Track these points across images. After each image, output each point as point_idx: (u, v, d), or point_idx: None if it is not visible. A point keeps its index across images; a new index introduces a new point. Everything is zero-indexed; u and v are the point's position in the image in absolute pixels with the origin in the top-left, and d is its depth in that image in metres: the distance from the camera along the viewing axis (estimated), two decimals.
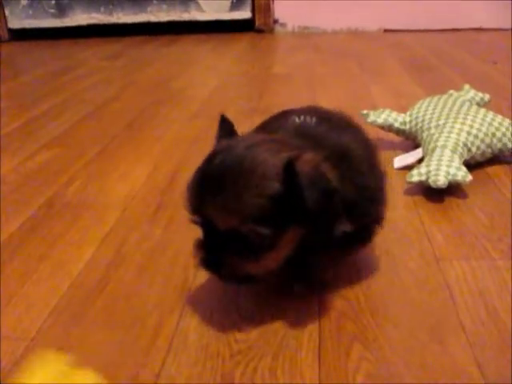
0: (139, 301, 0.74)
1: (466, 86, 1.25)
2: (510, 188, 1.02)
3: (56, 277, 0.81)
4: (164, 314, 0.71)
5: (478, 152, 1.06)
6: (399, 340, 0.65)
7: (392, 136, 1.24)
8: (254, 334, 0.66)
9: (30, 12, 3.12)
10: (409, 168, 1.06)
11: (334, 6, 2.92)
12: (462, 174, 0.96)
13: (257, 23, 3.02)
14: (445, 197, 0.98)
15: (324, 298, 0.72)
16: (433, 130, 1.09)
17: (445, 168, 0.96)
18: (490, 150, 1.08)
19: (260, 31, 3.01)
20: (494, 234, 0.87)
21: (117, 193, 1.08)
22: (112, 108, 1.74)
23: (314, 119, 0.72)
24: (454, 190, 0.98)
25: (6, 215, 1.01)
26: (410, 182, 0.99)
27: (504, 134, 1.08)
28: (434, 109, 1.15)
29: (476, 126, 1.07)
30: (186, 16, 3.05)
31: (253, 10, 3.00)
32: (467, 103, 1.16)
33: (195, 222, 0.65)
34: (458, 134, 1.05)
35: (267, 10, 3.01)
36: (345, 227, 0.66)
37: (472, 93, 1.23)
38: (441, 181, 0.94)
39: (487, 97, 1.24)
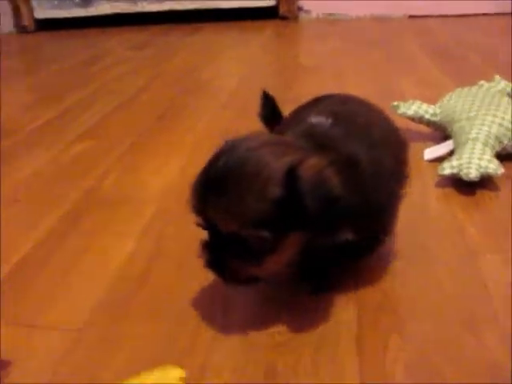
0: (181, 293, 0.76)
1: (497, 77, 1.25)
2: None
3: (99, 269, 0.83)
4: (206, 305, 0.74)
5: (510, 144, 1.06)
6: (435, 332, 0.66)
7: (421, 127, 1.24)
8: (294, 326, 0.68)
9: (56, 2, 3.15)
10: (439, 160, 1.08)
11: None
12: (494, 167, 0.96)
13: (281, 10, 3.02)
14: (476, 189, 0.99)
15: (361, 291, 0.74)
16: (464, 122, 1.09)
17: (476, 161, 0.97)
18: None
19: (284, 18, 3.01)
20: None
21: (152, 186, 1.10)
22: (141, 99, 1.76)
23: (329, 120, 0.70)
24: (485, 182, 0.99)
25: (46, 208, 1.04)
26: (442, 175, 1.00)
27: None
28: (464, 100, 1.15)
29: (507, 117, 1.07)
30: (209, 4, 3.05)
31: None
32: (498, 94, 1.16)
33: (199, 224, 0.66)
34: (490, 127, 1.05)
35: None
36: (347, 236, 0.67)
37: (503, 83, 1.23)
38: (473, 174, 0.95)
39: None
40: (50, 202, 1.06)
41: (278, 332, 0.67)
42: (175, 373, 0.58)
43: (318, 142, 0.67)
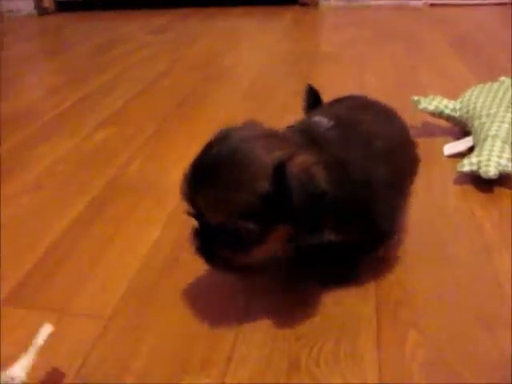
0: (206, 282, 0.79)
1: None
2: None
3: (126, 257, 0.86)
4: (230, 296, 0.76)
5: None
6: (451, 329, 0.68)
7: (441, 122, 1.25)
8: (316, 319, 0.71)
9: None
10: (458, 155, 1.09)
11: None
12: None
13: None
14: (495, 187, 1.00)
15: (380, 285, 0.76)
16: (484, 119, 1.10)
17: (496, 159, 0.98)
18: None
19: (304, 5, 3.00)
20: None
21: (175, 174, 1.12)
22: (162, 85, 1.78)
23: (330, 122, 0.72)
24: (504, 180, 1.00)
25: (71, 195, 1.07)
26: (461, 172, 1.01)
27: None
28: (485, 97, 1.16)
29: None
30: None
31: None
32: None
33: (189, 213, 0.67)
34: (510, 124, 1.06)
35: None
36: (329, 236, 0.69)
37: None
38: (491, 171, 0.97)
39: None
40: (76, 189, 1.09)
41: (300, 324, 0.70)
42: None
43: (313, 140, 0.69)
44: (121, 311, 0.74)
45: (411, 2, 2.92)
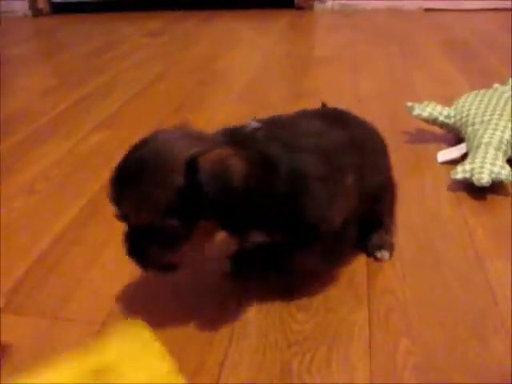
0: (200, 288, 0.79)
1: (511, 80, 1.26)
2: None
3: (120, 262, 0.85)
4: (223, 301, 0.76)
5: None
6: (442, 336, 0.69)
7: (435, 128, 1.26)
8: (309, 326, 0.71)
9: None
10: (452, 162, 1.10)
11: None
12: (506, 174, 0.98)
13: (296, 0, 3.02)
14: (488, 194, 1.01)
15: (373, 293, 0.77)
16: (477, 126, 1.11)
17: (489, 166, 0.99)
18: None
19: (300, 8, 3.01)
20: None
21: None
22: (157, 89, 1.78)
23: (259, 124, 0.71)
24: (496, 187, 1.01)
25: (67, 198, 1.07)
26: (455, 179, 1.02)
27: None
28: (479, 104, 1.16)
29: None
30: None
31: None
32: None
33: (116, 216, 0.67)
34: (503, 132, 1.07)
35: None
36: (260, 237, 0.70)
37: None
38: (484, 179, 0.97)
39: None
40: (69, 192, 1.09)
41: (292, 331, 0.70)
42: (163, 368, 0.60)
43: (237, 139, 0.68)
44: (115, 317, 0.74)
45: (406, 7, 2.93)
